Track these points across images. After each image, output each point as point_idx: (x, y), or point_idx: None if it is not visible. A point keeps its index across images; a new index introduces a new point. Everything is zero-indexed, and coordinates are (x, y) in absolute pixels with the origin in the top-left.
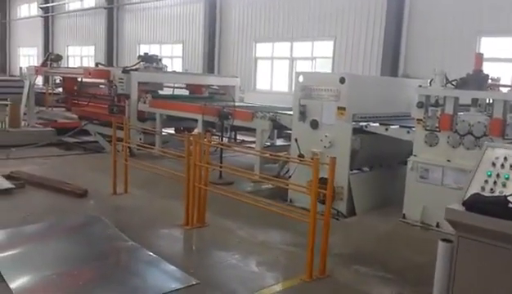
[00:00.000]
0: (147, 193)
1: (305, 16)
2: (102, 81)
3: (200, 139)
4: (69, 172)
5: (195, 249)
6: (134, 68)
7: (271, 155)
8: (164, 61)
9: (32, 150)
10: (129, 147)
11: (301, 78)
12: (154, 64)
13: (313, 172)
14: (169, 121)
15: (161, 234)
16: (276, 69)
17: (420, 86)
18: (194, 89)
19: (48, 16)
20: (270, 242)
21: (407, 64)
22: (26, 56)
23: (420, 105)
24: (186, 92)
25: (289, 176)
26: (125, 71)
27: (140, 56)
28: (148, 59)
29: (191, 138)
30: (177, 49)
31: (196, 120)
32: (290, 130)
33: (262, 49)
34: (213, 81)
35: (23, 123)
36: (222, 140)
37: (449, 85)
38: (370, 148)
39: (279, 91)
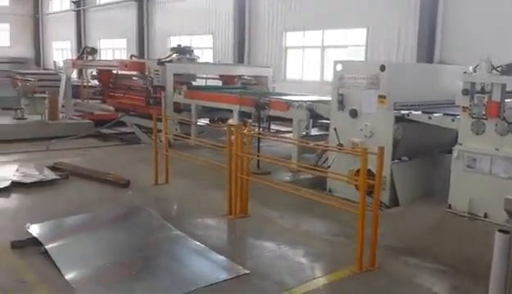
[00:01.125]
0: (188, 183)
1: (337, 4)
2: (138, 73)
3: (241, 129)
4: (110, 163)
5: (240, 239)
6: (169, 59)
7: (308, 145)
8: (195, 52)
9: (71, 142)
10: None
11: (339, 67)
12: (188, 56)
13: (362, 162)
14: (204, 112)
15: (205, 224)
16: (306, 58)
17: (465, 72)
18: (226, 80)
19: (80, 10)
20: (314, 232)
21: (443, 51)
22: (59, 50)
23: (466, 92)
24: (218, 83)
25: (328, 166)
26: (160, 63)
27: (173, 48)
28: (181, 50)
29: (232, 128)
30: (207, 40)
31: (230, 110)
32: (327, 119)
33: (293, 38)
34: (246, 71)
35: (61, 116)
36: (259, 130)
37: (494, 71)
38: (412, 137)
39: (310, 80)
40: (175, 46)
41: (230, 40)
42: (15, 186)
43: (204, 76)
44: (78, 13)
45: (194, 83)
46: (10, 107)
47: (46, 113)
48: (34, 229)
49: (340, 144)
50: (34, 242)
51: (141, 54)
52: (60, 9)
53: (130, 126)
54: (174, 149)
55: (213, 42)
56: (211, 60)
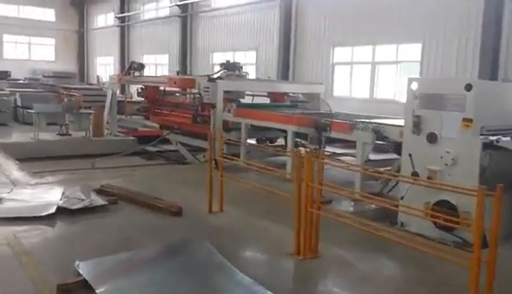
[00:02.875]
0: (244, 211)
1: (389, 18)
2: (185, 90)
3: (312, 155)
4: (159, 186)
5: (317, 289)
6: (219, 76)
7: (381, 174)
8: (244, 69)
9: (116, 160)
10: (215, 159)
11: (415, 85)
12: (237, 72)
13: (477, 205)
14: (252, 131)
15: (271, 266)
16: (355, 75)
17: None
18: (275, 97)
19: (124, 26)
20: (400, 280)
21: (509, 67)
22: (103, 65)
23: None
24: (264, 100)
25: (402, 197)
26: (211, 80)
27: (222, 64)
28: (230, 66)
29: (302, 154)
30: (251, 56)
31: (282, 131)
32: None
33: (341, 54)
34: (297, 88)
35: (105, 132)
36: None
37: None
38: (500, 166)
39: (359, 97)
40: (224, 61)
41: (274, 56)
42: (61, 212)
43: (250, 92)
44: (122, 28)
45: (241, 101)
46: (54, 122)
47: (90, 130)
48: (84, 268)
49: (415, 173)
50: (84, 283)
51: (183, 70)
52: (105, 24)
53: (175, 144)
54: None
55: (256, 58)
56: (254, 77)
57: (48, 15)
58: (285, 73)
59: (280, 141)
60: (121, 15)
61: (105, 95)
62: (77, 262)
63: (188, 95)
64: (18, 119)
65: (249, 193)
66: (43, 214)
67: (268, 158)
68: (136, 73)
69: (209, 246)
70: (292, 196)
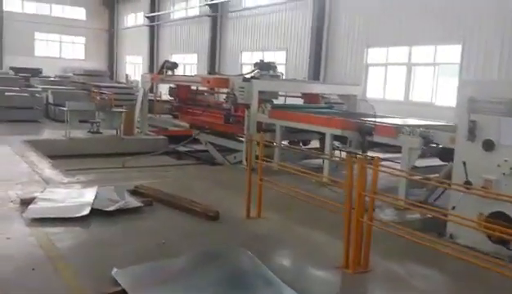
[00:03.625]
0: (283, 218)
1: (427, 18)
2: (213, 89)
3: (365, 161)
4: (192, 187)
5: None
6: (251, 76)
7: (429, 181)
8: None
9: (146, 159)
10: (247, 160)
11: (469, 88)
12: (271, 72)
13: None
14: (285, 132)
15: (320, 280)
16: (389, 76)
17: None
18: (310, 98)
19: (154, 25)
20: None
21: None
22: (132, 64)
23: None
24: (297, 101)
25: (453, 207)
26: (246, 79)
27: (256, 63)
28: (264, 66)
29: (355, 160)
30: (280, 56)
31: (318, 133)
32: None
33: (375, 54)
34: (333, 89)
35: (136, 131)
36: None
37: None
38: None
39: (393, 99)
40: (257, 61)
41: (305, 56)
42: (95, 214)
43: (282, 93)
44: (151, 28)
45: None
46: (85, 120)
47: (121, 128)
48: (121, 277)
49: (468, 182)
50: (122, 293)
51: (212, 69)
52: (135, 24)
53: (204, 144)
54: (255, 173)
55: (286, 58)
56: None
57: (79, 13)
58: (316, 73)
59: (313, 144)
60: (151, 14)
61: (134, 94)
62: (115, 269)
63: (216, 95)
64: (49, 116)
65: (287, 198)
66: (77, 215)
67: (301, 161)
68: (169, 73)
69: (251, 255)
70: (339, 204)
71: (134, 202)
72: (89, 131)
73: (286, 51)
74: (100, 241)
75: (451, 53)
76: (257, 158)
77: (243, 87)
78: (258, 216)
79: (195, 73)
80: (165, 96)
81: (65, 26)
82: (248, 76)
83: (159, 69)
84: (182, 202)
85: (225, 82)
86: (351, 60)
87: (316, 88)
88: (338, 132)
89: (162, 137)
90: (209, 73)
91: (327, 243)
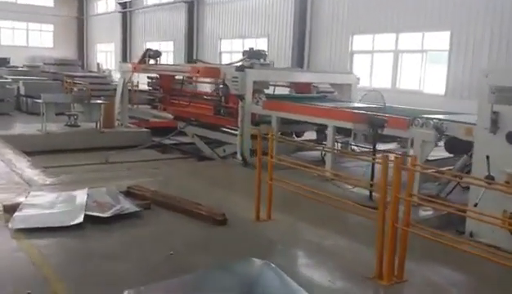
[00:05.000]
0: (294, 219)
1: (414, 4)
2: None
3: (401, 161)
4: (189, 186)
5: None
6: (249, 65)
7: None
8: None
9: (130, 154)
10: (242, 155)
11: (492, 77)
12: (262, 61)
13: None
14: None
15: None
16: (375, 64)
17: None
18: (301, 88)
19: (126, 12)
20: None
21: None
22: (103, 52)
23: None
24: (284, 90)
25: (475, 204)
26: (239, 69)
27: (245, 51)
28: (254, 54)
29: (390, 159)
30: (262, 43)
31: (311, 124)
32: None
33: (360, 41)
34: (328, 78)
35: (116, 123)
36: (374, 153)
37: None
38: None
39: (379, 87)
40: (247, 49)
41: (287, 43)
42: (88, 220)
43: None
44: (123, 15)
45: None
46: (62, 112)
47: (101, 121)
48: None
49: (490, 177)
50: None
51: (189, 58)
52: (106, 10)
53: (191, 137)
54: (251, 168)
55: (267, 46)
56: None
57: (47, 0)
58: (299, 61)
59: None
60: (123, 0)
61: (109, 84)
62: (125, 293)
63: (195, 84)
64: (21, 109)
65: (293, 196)
66: (70, 224)
67: (296, 154)
68: (152, 61)
69: (274, 267)
70: (360, 205)
71: (131, 205)
72: (66, 125)
73: (268, 39)
74: (99, 254)
75: (440, 40)
76: (253, 152)
77: (236, 77)
78: (269, 217)
79: (172, 61)
80: (142, 86)
81: (31, 13)
82: (237, 65)
83: (141, 57)
84: (184, 205)
85: (216, 72)
86: (336, 48)
87: (310, 77)
88: (347, 125)
89: (144, 130)
90: (190, 62)
91: (350, 249)
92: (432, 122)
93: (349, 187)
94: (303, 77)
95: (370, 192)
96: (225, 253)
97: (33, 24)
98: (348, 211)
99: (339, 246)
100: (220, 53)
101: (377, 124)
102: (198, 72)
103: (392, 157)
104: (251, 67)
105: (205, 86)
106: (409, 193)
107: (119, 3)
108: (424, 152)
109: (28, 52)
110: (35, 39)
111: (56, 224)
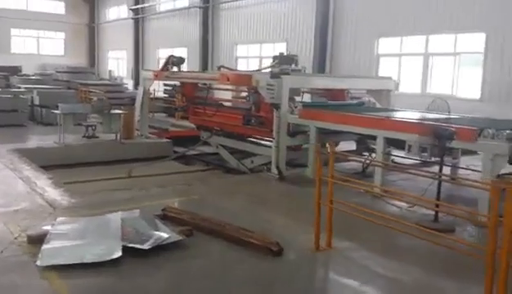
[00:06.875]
0: (357, 247)
1: (446, 4)
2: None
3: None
4: (227, 207)
5: None
6: (286, 71)
7: None
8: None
9: (153, 166)
10: (278, 168)
11: None
12: (293, 66)
13: None
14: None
15: None
16: (403, 68)
17: None
18: (336, 94)
19: (138, 18)
20: None
21: None
22: (115, 59)
23: None
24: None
25: None
26: (275, 76)
27: (275, 57)
28: (285, 59)
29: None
30: (280, 48)
31: (349, 133)
32: None
33: (387, 44)
34: (365, 84)
35: (135, 134)
36: (441, 169)
37: None
38: None
39: (408, 92)
40: (277, 54)
41: (308, 48)
42: (126, 252)
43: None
44: (136, 21)
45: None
46: (79, 123)
47: (121, 131)
48: None
49: None
50: None
51: (204, 64)
52: (118, 17)
53: (215, 147)
54: (288, 182)
55: (286, 50)
56: None
57: (58, 7)
58: (321, 65)
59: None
60: (135, 6)
61: (123, 92)
62: None
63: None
64: (35, 119)
65: (343, 216)
66: (107, 259)
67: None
68: (174, 68)
69: None
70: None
71: (172, 233)
72: (84, 136)
73: (287, 43)
74: None
75: (474, 42)
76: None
77: (272, 85)
78: (329, 246)
79: (185, 67)
80: (157, 94)
81: (42, 21)
82: (266, 71)
83: (164, 64)
84: (231, 232)
85: (247, 79)
86: (360, 51)
87: (348, 83)
88: (401, 136)
89: (165, 140)
90: (205, 69)
91: (436, 287)
92: (505, 134)
93: (405, 205)
94: (340, 83)
95: (436, 213)
96: None
97: (44, 32)
98: (412, 235)
99: (421, 283)
100: (237, 58)
101: (445, 136)
102: (228, 79)
103: (503, 183)
104: (287, 73)
105: (222, 94)
106: None
107: (132, 10)
108: (496, 167)
109: (39, 60)
110: (46, 47)
111: (92, 260)
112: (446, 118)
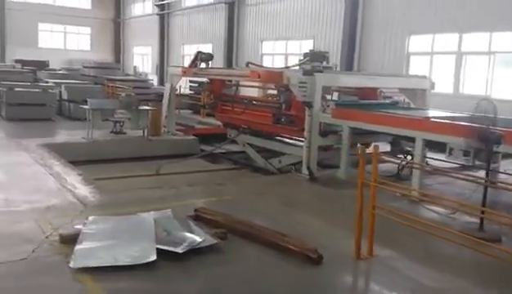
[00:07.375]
0: (398, 256)
1: (480, 1)
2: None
3: None
4: (260, 209)
5: None
6: (319, 69)
7: None
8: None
9: (180, 164)
10: (309, 169)
11: None
12: (324, 63)
13: None
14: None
15: None
16: (435, 66)
17: None
18: (368, 93)
19: (164, 14)
20: None
21: None
22: (140, 55)
23: None
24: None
25: None
26: (307, 73)
27: (306, 54)
28: (316, 56)
29: None
30: (307, 45)
31: (383, 134)
32: None
33: (418, 42)
34: (399, 83)
35: (162, 130)
36: (488, 174)
37: None
38: None
39: (440, 92)
40: (307, 51)
41: (335, 45)
42: (160, 254)
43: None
44: (161, 17)
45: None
46: (106, 118)
47: (148, 128)
48: None
49: None
50: None
51: (229, 61)
52: (143, 13)
53: (242, 145)
54: (320, 184)
55: (313, 48)
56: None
57: (84, 2)
58: (349, 64)
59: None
60: (160, 2)
61: (149, 88)
62: None
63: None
64: (63, 114)
65: (382, 222)
66: (141, 262)
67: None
68: (203, 65)
69: None
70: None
71: (206, 236)
72: (112, 132)
73: (314, 40)
74: None
75: (510, 41)
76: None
77: (305, 82)
78: (370, 254)
79: (210, 64)
80: (183, 90)
81: (69, 16)
82: (296, 68)
83: (192, 61)
84: (268, 236)
85: (278, 76)
86: (390, 49)
87: (382, 82)
88: (442, 138)
89: (192, 137)
90: (247, 65)
91: None
92: None
93: (444, 211)
94: (373, 81)
95: (481, 220)
96: None
97: (71, 27)
98: (456, 243)
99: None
100: (262, 55)
101: (493, 140)
102: (259, 76)
103: None
104: (320, 71)
105: (247, 91)
106: None
107: (157, 5)
108: None
109: (65, 55)
110: (72, 42)
111: (127, 263)
112: (491, 121)
